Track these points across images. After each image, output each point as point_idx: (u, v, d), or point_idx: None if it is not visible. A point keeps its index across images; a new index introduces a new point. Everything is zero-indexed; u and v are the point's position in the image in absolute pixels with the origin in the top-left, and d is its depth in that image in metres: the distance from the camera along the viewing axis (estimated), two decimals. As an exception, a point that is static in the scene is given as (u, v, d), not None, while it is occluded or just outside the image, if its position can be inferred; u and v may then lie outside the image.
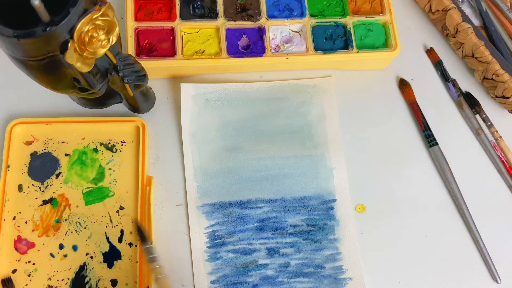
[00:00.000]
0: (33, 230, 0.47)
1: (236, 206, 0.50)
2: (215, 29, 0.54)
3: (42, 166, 0.49)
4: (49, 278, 0.46)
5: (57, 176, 0.49)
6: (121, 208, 0.49)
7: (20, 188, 0.48)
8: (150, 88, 0.52)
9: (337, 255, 0.50)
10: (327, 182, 0.52)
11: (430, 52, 0.60)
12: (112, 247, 0.47)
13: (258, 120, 0.54)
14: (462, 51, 0.58)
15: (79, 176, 0.49)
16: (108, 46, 0.36)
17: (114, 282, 0.47)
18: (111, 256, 0.47)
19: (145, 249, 0.43)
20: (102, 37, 0.35)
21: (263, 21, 0.55)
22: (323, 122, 0.54)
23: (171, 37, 0.53)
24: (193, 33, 0.53)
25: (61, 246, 0.47)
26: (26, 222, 0.47)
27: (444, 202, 0.53)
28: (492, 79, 0.56)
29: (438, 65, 0.59)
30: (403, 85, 0.57)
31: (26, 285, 0.46)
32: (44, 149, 0.50)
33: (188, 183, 0.51)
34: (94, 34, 0.35)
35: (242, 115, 0.54)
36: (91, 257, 0.47)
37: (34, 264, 0.46)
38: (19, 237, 0.47)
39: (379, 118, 0.56)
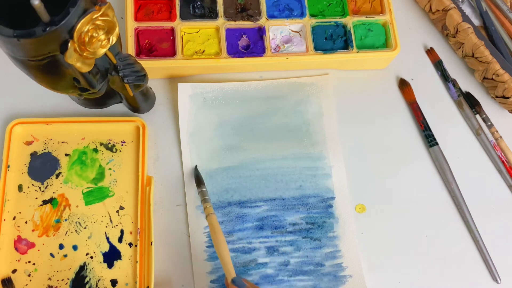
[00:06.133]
0: (33, 230, 0.47)
1: (235, 206, 0.50)
2: (215, 29, 0.54)
3: (42, 166, 0.49)
4: (49, 278, 0.46)
5: (57, 176, 0.49)
6: (121, 208, 0.49)
7: (20, 188, 0.48)
8: (150, 88, 0.52)
9: (336, 252, 0.50)
10: (326, 180, 0.52)
11: (430, 52, 0.60)
12: (112, 247, 0.47)
13: (256, 119, 0.54)
14: (462, 51, 0.58)
15: (79, 176, 0.49)
16: (108, 46, 0.36)
17: (114, 282, 0.47)
18: (111, 256, 0.47)
19: (199, 192, 0.48)
20: (102, 37, 0.35)
21: (263, 21, 0.55)
22: (321, 120, 0.54)
23: (171, 37, 0.53)
24: (193, 33, 0.53)
25: (61, 246, 0.47)
26: (26, 222, 0.47)
27: (444, 202, 0.53)
28: (492, 79, 0.56)
29: (438, 65, 0.59)
30: (403, 85, 0.57)
31: (26, 285, 0.46)
32: (44, 149, 0.50)
33: (187, 183, 0.51)
34: (94, 34, 0.35)
35: (240, 114, 0.54)
36: (91, 257, 0.47)
37: (34, 264, 0.46)
38: (19, 237, 0.47)
39: (379, 118, 0.56)
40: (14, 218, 0.47)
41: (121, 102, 0.52)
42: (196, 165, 0.51)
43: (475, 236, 0.52)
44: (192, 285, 0.48)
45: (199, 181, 0.49)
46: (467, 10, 0.61)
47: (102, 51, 0.36)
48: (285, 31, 0.55)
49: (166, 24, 0.53)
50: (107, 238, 0.48)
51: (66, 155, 0.50)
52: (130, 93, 0.45)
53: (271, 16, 0.55)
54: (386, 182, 0.53)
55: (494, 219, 0.53)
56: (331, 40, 0.55)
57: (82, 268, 0.47)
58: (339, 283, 0.49)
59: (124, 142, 0.51)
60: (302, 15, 0.56)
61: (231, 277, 0.43)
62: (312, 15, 0.56)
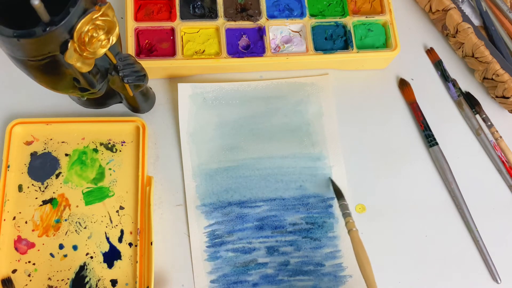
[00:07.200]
0: (33, 230, 0.47)
1: (235, 205, 0.50)
2: (215, 29, 0.54)
3: (42, 166, 0.49)
4: (49, 278, 0.46)
5: (57, 176, 0.49)
6: (121, 208, 0.49)
7: (20, 188, 0.48)
8: (150, 88, 0.52)
9: (336, 252, 0.50)
10: (326, 180, 0.52)
11: (430, 52, 0.60)
12: (112, 247, 0.47)
13: (256, 119, 0.54)
14: (462, 51, 0.58)
15: (79, 176, 0.49)
16: (108, 46, 0.36)
17: (114, 282, 0.47)
18: (111, 256, 0.47)
19: (340, 205, 0.48)
20: (102, 37, 0.35)
21: (263, 21, 0.55)
22: (321, 120, 0.54)
23: (171, 37, 0.53)
24: (193, 33, 0.53)
25: (61, 246, 0.47)
26: (26, 222, 0.47)
27: (444, 202, 0.53)
28: (492, 79, 0.56)
29: (438, 65, 0.59)
30: (403, 85, 0.57)
31: (26, 285, 0.46)
32: (44, 149, 0.50)
33: (187, 183, 0.51)
34: (94, 34, 0.35)
35: (240, 114, 0.54)
36: (91, 257, 0.47)
37: (34, 264, 0.46)
38: (19, 237, 0.47)
39: (379, 118, 0.56)
40: (14, 218, 0.47)
41: (121, 102, 0.52)
42: (330, 177, 0.52)
43: (475, 236, 0.52)
44: (192, 285, 0.48)
45: (338, 193, 0.50)
46: (467, 10, 0.61)
47: (102, 51, 0.36)
48: (285, 31, 0.55)
49: (166, 24, 0.53)
50: (107, 238, 0.48)
51: (66, 155, 0.50)
52: (130, 93, 0.45)
53: (271, 16, 0.55)
54: (386, 182, 0.53)
55: (494, 219, 0.53)
56: (331, 40, 0.55)
57: (82, 268, 0.47)
58: (339, 283, 0.49)
59: (124, 142, 0.51)
60: (302, 15, 0.56)
61: None
62: (312, 15, 0.56)
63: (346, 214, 0.47)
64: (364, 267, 0.43)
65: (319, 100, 0.55)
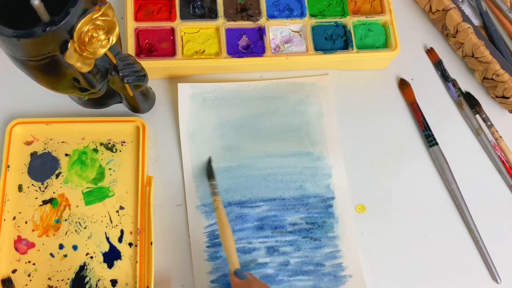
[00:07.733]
0: (33, 230, 0.47)
1: (235, 206, 0.50)
2: (215, 29, 0.54)
3: (42, 166, 0.49)
4: (49, 278, 0.46)
5: (57, 176, 0.49)
6: (121, 208, 0.49)
7: (20, 188, 0.48)
8: (150, 88, 0.52)
9: (336, 252, 0.50)
10: (326, 180, 0.52)
11: (430, 52, 0.60)
12: (112, 247, 0.47)
13: (256, 119, 0.54)
14: (462, 51, 0.58)
15: (79, 176, 0.49)
16: (108, 46, 0.36)
17: (114, 282, 0.47)
18: (111, 256, 0.47)
19: (210, 184, 0.49)
20: (102, 37, 0.35)
21: (263, 21, 0.55)
22: (321, 120, 0.54)
23: (171, 37, 0.53)
24: (193, 33, 0.53)
25: (61, 246, 0.47)
26: (26, 222, 0.47)
27: (444, 202, 0.53)
28: (492, 79, 0.56)
29: (438, 65, 0.59)
30: (403, 85, 0.57)
31: (26, 285, 0.46)
32: (44, 149, 0.50)
33: (187, 183, 0.51)
34: (94, 34, 0.35)
35: (240, 114, 0.54)
36: (91, 257, 0.47)
37: (34, 264, 0.46)
38: (19, 237, 0.47)
39: (379, 118, 0.56)
40: (14, 218, 0.47)
41: (121, 102, 0.52)
42: (210, 157, 0.51)
43: (475, 236, 0.52)
44: (192, 285, 0.48)
45: (210, 174, 0.50)
46: (467, 10, 0.61)
47: (102, 51, 0.36)
48: (285, 31, 0.55)
49: (166, 24, 0.53)
50: (107, 238, 0.48)
51: (66, 155, 0.50)
52: (130, 93, 0.45)
53: (271, 16, 0.55)
54: (386, 182, 0.53)
55: (494, 219, 0.53)
56: (331, 40, 0.55)
57: (82, 268, 0.47)
58: (339, 283, 0.49)
59: (124, 142, 0.51)
60: (302, 15, 0.56)
61: (234, 268, 0.43)
62: (312, 15, 0.56)
63: (214, 193, 0.48)
64: (227, 244, 0.44)
65: (319, 100, 0.55)
